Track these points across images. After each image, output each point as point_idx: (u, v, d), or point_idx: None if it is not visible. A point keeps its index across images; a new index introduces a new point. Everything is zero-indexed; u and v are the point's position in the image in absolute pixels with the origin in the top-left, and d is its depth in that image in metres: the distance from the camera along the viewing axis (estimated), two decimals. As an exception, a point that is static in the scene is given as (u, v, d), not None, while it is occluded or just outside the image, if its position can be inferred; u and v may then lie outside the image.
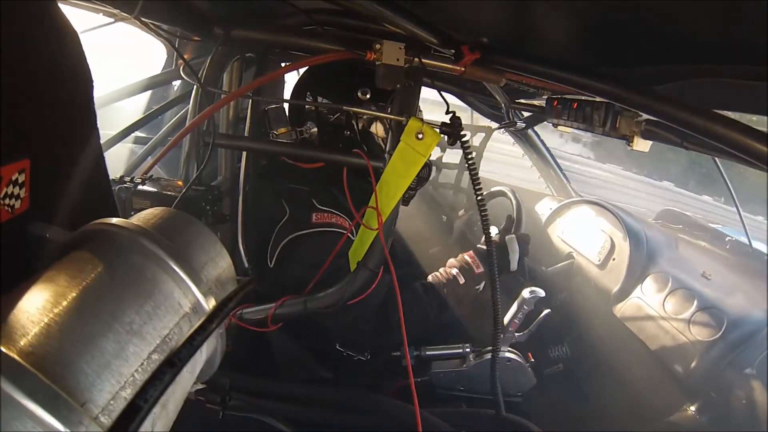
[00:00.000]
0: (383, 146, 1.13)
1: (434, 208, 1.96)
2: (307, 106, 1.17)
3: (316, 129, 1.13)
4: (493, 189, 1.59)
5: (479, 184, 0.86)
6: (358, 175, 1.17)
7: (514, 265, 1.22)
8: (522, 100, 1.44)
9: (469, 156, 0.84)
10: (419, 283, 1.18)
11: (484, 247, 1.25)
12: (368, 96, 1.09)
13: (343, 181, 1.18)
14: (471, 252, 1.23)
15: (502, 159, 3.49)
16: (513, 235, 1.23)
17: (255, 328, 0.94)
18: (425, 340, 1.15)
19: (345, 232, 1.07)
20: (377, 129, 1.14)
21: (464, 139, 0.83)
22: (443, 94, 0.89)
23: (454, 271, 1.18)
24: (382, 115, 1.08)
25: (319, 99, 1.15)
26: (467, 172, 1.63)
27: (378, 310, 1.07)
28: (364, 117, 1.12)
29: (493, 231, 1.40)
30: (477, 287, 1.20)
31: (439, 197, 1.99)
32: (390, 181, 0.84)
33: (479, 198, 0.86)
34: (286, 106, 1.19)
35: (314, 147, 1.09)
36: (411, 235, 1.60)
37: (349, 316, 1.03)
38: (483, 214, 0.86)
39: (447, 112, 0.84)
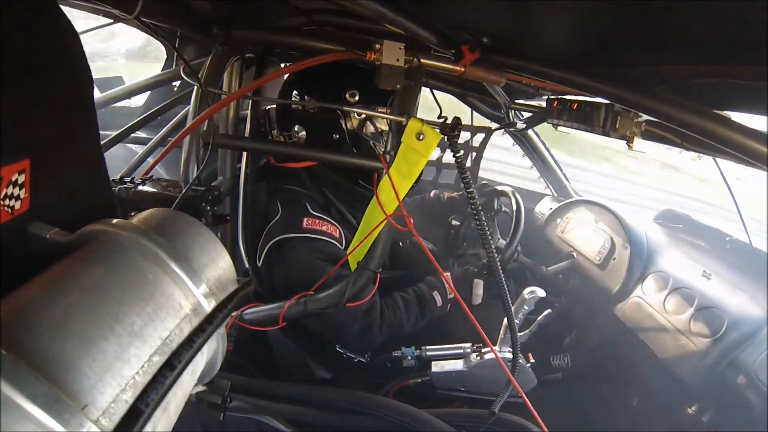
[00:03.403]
0: (373, 148, 1.13)
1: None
2: (294, 107, 1.17)
3: (304, 132, 1.12)
4: (494, 188, 1.59)
5: (472, 191, 0.81)
6: (356, 176, 1.17)
7: (475, 301, 1.29)
8: (522, 101, 1.44)
9: (459, 160, 0.81)
10: (399, 295, 1.21)
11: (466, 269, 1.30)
12: (356, 98, 1.08)
13: (336, 182, 1.18)
14: (449, 276, 1.28)
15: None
16: (481, 281, 1.30)
17: (255, 327, 0.94)
18: (393, 345, 1.19)
19: (333, 241, 1.07)
20: (367, 130, 1.14)
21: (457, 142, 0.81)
22: (437, 97, 0.88)
23: (434, 292, 1.23)
24: (382, 115, 1.08)
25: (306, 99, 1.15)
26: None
27: (364, 314, 1.08)
28: (355, 119, 1.12)
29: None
30: (447, 309, 1.25)
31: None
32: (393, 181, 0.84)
33: (472, 204, 0.82)
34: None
35: (312, 148, 1.09)
36: (409, 235, 1.60)
37: (337, 317, 1.04)
38: (479, 225, 0.82)
39: (439, 117, 0.83)
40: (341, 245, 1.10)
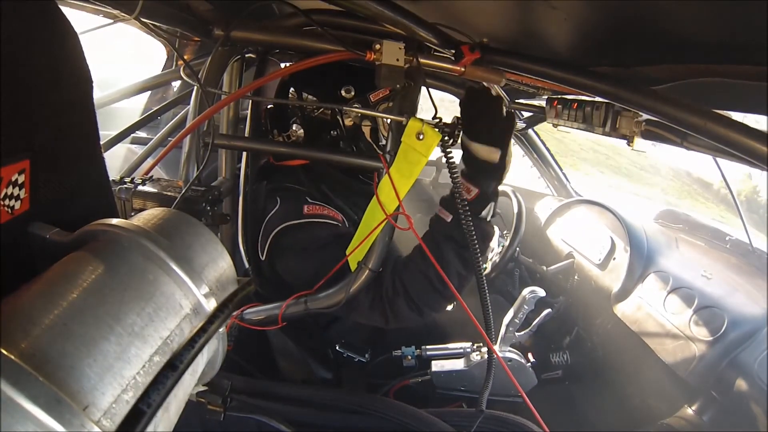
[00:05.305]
0: (372, 146, 1.13)
1: (434, 207, 1.96)
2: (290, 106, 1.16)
3: (302, 130, 1.12)
4: None
5: (460, 190, 0.82)
6: (355, 175, 1.17)
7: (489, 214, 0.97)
8: (522, 101, 1.44)
9: (451, 159, 0.82)
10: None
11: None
12: (352, 94, 1.07)
13: (334, 180, 1.17)
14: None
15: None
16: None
17: (256, 327, 0.94)
18: (394, 345, 1.16)
19: (336, 223, 1.05)
20: (364, 128, 1.13)
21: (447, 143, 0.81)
22: (432, 97, 0.87)
23: (436, 209, 1.02)
24: (382, 115, 1.07)
25: (304, 96, 1.14)
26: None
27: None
28: (353, 116, 1.11)
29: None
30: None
31: (439, 197, 2.00)
32: (393, 181, 0.84)
33: (459, 202, 0.82)
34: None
35: (312, 147, 1.09)
36: (410, 235, 1.60)
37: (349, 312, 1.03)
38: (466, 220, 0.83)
39: (434, 117, 0.82)
40: (344, 227, 1.07)
